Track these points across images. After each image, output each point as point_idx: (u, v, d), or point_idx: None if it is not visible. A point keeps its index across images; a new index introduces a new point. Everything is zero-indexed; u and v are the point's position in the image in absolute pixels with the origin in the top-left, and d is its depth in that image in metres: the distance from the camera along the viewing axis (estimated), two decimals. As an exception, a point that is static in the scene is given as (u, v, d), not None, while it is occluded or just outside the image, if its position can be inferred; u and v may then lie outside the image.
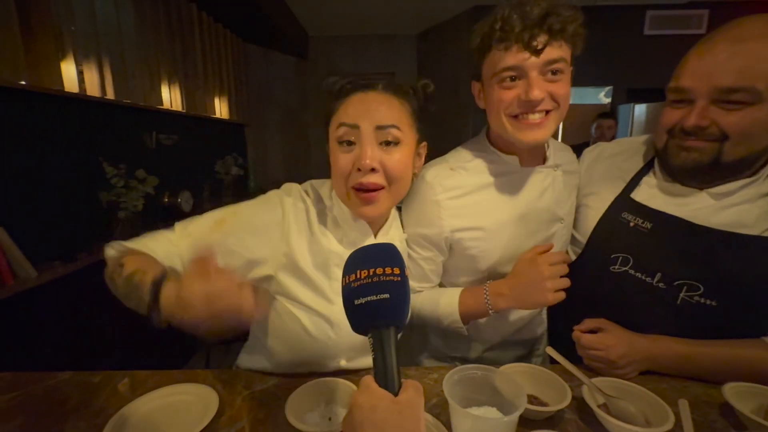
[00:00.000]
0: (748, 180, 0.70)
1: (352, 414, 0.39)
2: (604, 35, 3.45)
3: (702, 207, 0.72)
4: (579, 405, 0.64)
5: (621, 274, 0.77)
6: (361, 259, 0.45)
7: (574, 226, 0.90)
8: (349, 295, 0.43)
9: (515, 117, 0.72)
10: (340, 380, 0.66)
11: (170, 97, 2.38)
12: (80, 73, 1.66)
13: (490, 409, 0.61)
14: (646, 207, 0.77)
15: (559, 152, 0.87)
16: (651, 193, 0.78)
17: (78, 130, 1.68)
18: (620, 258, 0.78)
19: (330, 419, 0.61)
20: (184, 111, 2.51)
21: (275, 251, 0.70)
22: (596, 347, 0.71)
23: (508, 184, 0.80)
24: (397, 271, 0.43)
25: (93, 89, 1.74)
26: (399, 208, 0.87)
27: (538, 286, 0.70)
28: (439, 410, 0.64)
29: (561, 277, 0.72)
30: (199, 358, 2.34)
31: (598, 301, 0.80)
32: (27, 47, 1.43)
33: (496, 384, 0.62)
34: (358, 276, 0.43)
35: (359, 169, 0.65)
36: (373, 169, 0.65)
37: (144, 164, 1.99)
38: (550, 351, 0.71)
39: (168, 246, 0.67)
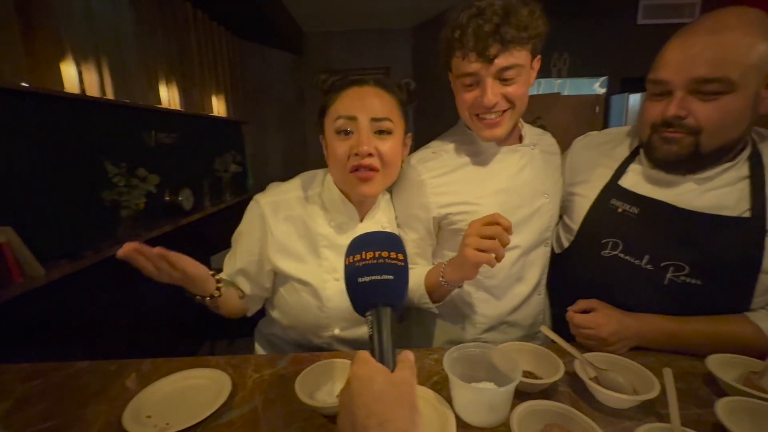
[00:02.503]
0: (728, 164, 0.74)
1: (349, 385, 0.39)
2: (597, 26, 3.47)
3: (685, 192, 0.76)
4: (572, 378, 0.67)
5: (611, 258, 0.81)
6: (366, 242, 0.47)
7: (567, 213, 0.94)
8: (352, 273, 0.45)
9: (477, 115, 0.80)
10: (345, 360, 0.70)
11: (168, 96, 2.39)
12: (80, 74, 1.68)
13: (488, 384, 0.64)
14: (633, 193, 0.81)
15: (536, 135, 0.95)
16: (637, 180, 0.82)
17: (79, 130, 1.70)
18: (610, 243, 0.82)
19: (337, 396, 0.64)
20: (182, 109, 2.52)
21: (263, 245, 0.82)
22: (588, 326, 0.74)
23: (487, 161, 0.87)
24: (401, 257, 0.46)
25: (92, 89, 1.76)
26: (390, 192, 0.93)
27: (462, 247, 0.71)
28: (440, 387, 0.67)
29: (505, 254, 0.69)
30: (204, 352, 2.38)
31: (591, 285, 0.83)
32: (27, 49, 1.45)
33: (493, 360, 0.66)
34: (364, 256, 0.45)
35: (357, 154, 0.74)
36: (369, 154, 0.74)
37: (145, 163, 2.01)
38: (544, 330, 0.75)
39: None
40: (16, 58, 1.39)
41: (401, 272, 0.45)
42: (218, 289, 0.75)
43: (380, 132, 0.76)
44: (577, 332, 0.77)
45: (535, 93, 3.84)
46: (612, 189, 0.84)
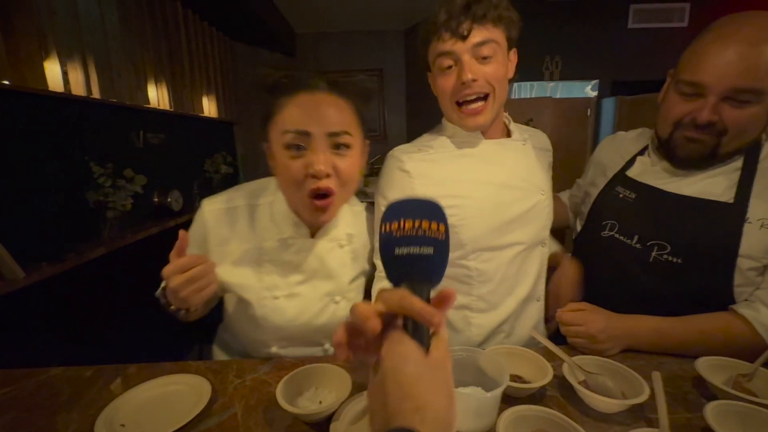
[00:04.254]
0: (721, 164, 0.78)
1: (382, 363, 0.36)
2: (589, 30, 3.50)
3: (677, 179, 0.82)
4: (560, 382, 0.66)
5: (608, 238, 0.88)
6: (405, 208, 0.41)
7: (584, 203, 1.01)
8: (388, 243, 0.40)
9: (459, 105, 0.79)
10: (328, 365, 0.68)
11: (157, 96, 2.35)
12: (65, 73, 1.64)
13: (476, 389, 0.63)
14: (634, 180, 0.88)
15: (526, 131, 0.93)
16: (642, 170, 0.89)
17: (64, 129, 1.66)
18: (608, 224, 0.89)
19: (320, 402, 0.62)
20: (171, 110, 2.48)
21: (204, 252, 0.78)
22: (576, 323, 0.74)
23: (476, 154, 0.84)
24: (442, 228, 0.41)
25: (78, 88, 1.72)
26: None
27: None
28: (427, 392, 0.66)
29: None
30: (192, 356, 2.34)
31: (592, 264, 0.91)
32: (8, 47, 1.41)
33: (480, 365, 0.65)
34: (401, 225, 0.40)
35: (313, 176, 0.67)
36: (327, 175, 0.67)
37: (132, 163, 1.97)
38: (533, 332, 0.74)
39: None
40: (-2, 57, 1.36)
41: (441, 245, 0.40)
42: None
43: (337, 147, 0.69)
44: (566, 330, 0.76)
45: (527, 96, 3.86)
46: (619, 178, 0.92)
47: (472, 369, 0.65)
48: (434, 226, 0.40)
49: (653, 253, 0.80)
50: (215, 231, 0.78)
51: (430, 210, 0.41)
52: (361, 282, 0.90)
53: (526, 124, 0.94)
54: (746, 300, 0.74)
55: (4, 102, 1.41)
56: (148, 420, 0.60)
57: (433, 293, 0.40)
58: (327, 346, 0.86)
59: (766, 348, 0.65)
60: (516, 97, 3.77)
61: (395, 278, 0.41)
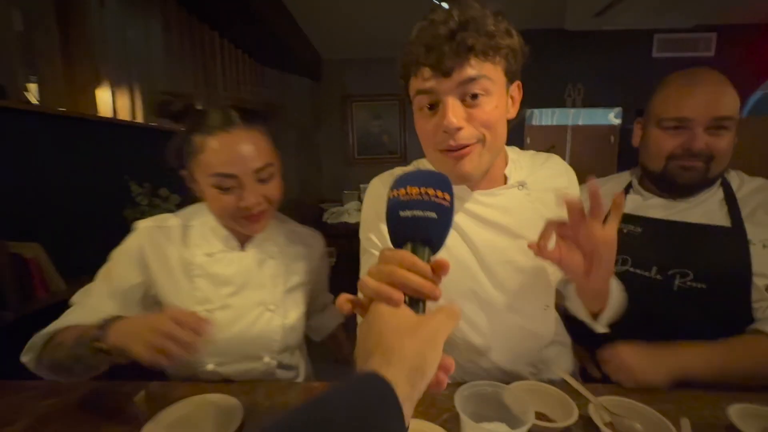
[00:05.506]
0: (708, 189, 0.88)
1: (369, 310, 0.38)
2: (611, 58, 3.52)
3: (679, 210, 0.88)
4: (585, 423, 0.66)
5: (622, 273, 0.89)
6: (413, 178, 0.43)
7: None
8: (394, 206, 0.42)
9: (444, 151, 0.65)
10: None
11: (192, 119, 2.50)
12: (113, 99, 1.78)
13: (500, 425, 0.63)
14: (634, 216, 0.92)
15: (527, 168, 0.77)
16: (636, 205, 0.94)
17: (109, 151, 1.79)
18: (619, 260, 0.90)
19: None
20: (204, 132, 2.62)
21: (143, 270, 0.80)
22: (612, 357, 0.76)
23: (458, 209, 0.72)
24: (447, 197, 0.42)
25: (123, 113, 1.85)
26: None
27: None
28: (451, 425, 0.66)
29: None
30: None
31: None
32: (67, 77, 1.55)
33: (504, 400, 0.65)
34: (408, 191, 0.42)
35: (245, 208, 0.74)
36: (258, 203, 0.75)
37: (166, 183, 2.08)
38: (559, 372, 0.74)
39: (85, 314, 0.75)
40: (57, 86, 1.49)
41: (445, 212, 0.42)
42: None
43: (262, 180, 0.75)
44: (607, 368, 0.77)
45: (549, 123, 3.87)
46: None
47: (496, 404, 0.66)
48: (439, 194, 0.42)
49: (677, 282, 0.83)
50: (150, 248, 0.81)
51: (437, 179, 0.43)
52: (300, 295, 0.91)
53: (549, 150, 0.89)
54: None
55: (59, 127, 1.53)
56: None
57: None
58: (266, 359, 0.85)
59: None
60: (537, 123, 3.79)
61: (399, 240, 0.42)
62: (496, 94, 0.63)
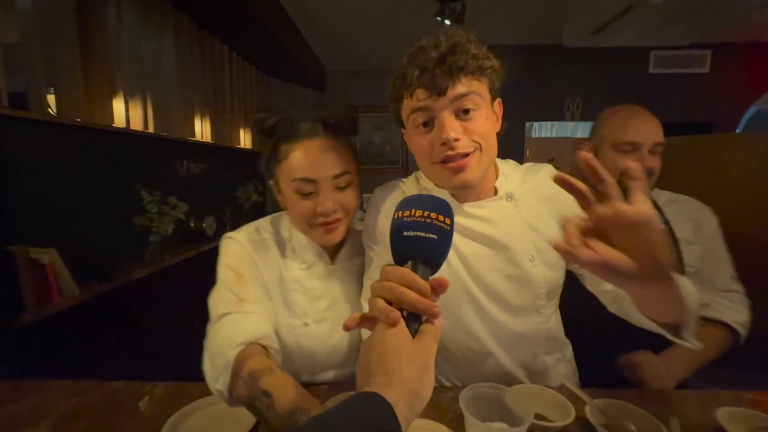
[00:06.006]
0: None
1: (374, 332, 0.41)
2: (609, 73, 3.61)
3: None
4: (582, 424, 0.70)
5: None
6: (418, 202, 0.47)
7: None
8: (399, 226, 0.46)
9: (441, 163, 0.70)
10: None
11: (201, 129, 2.56)
12: (126, 110, 1.84)
13: (501, 425, 0.67)
14: None
15: (519, 179, 0.81)
16: None
17: (122, 160, 1.84)
18: None
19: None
20: (212, 142, 2.68)
21: (260, 273, 0.80)
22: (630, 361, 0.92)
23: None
24: (448, 221, 0.46)
25: (136, 123, 1.91)
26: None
27: None
28: (456, 425, 0.70)
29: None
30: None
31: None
32: (86, 89, 1.62)
33: (506, 401, 0.69)
34: (413, 213, 0.46)
35: (322, 214, 0.75)
36: (334, 211, 0.76)
37: (175, 191, 2.13)
38: (557, 374, 0.78)
39: (256, 323, 0.72)
40: (76, 97, 1.55)
41: (445, 234, 0.46)
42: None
43: (341, 188, 0.77)
44: (628, 373, 0.92)
45: (548, 135, 3.95)
46: None
47: (498, 405, 0.69)
48: (441, 217, 0.46)
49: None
50: (257, 256, 0.82)
51: (439, 205, 0.47)
52: None
53: (549, 162, 0.98)
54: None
55: (75, 137, 1.59)
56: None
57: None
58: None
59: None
60: (536, 136, 3.86)
61: (401, 257, 0.46)
62: (485, 109, 0.69)
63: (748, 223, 1.65)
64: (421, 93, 0.67)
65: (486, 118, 0.69)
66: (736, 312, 1.01)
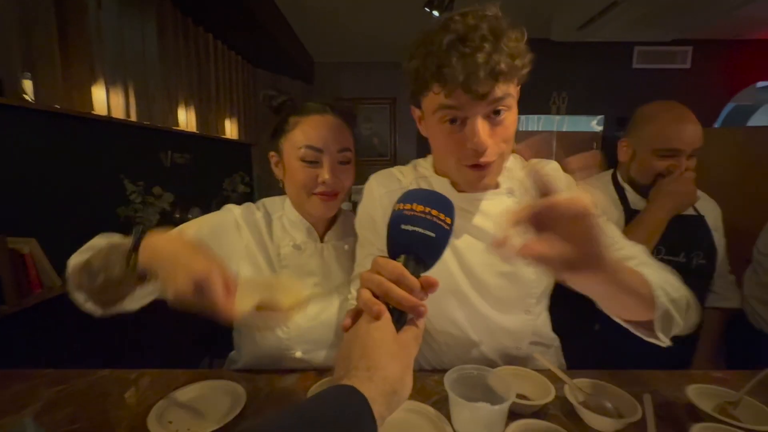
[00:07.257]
0: None
1: (357, 324, 0.41)
2: (594, 68, 3.67)
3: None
4: (562, 402, 0.72)
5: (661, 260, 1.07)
6: (420, 196, 0.46)
7: None
8: (397, 219, 0.45)
9: (468, 166, 0.68)
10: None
11: (186, 119, 2.52)
12: (108, 98, 1.80)
13: (485, 404, 0.69)
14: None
15: (521, 174, 0.81)
16: (638, 203, 1.13)
17: (104, 149, 1.80)
18: (654, 250, 1.07)
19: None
20: (197, 132, 2.64)
21: (235, 246, 0.85)
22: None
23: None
24: (449, 220, 0.44)
25: (118, 112, 1.87)
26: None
27: None
28: (440, 406, 0.72)
29: None
30: (203, 366, 2.38)
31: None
32: (65, 75, 1.57)
33: (489, 383, 0.71)
34: (413, 207, 0.44)
35: (323, 183, 0.80)
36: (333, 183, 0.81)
37: (160, 181, 2.10)
38: (538, 356, 0.81)
39: None
40: (54, 83, 1.51)
41: (444, 234, 0.44)
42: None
43: (341, 162, 0.83)
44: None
45: (534, 128, 4.00)
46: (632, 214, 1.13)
47: (482, 386, 0.72)
48: (441, 216, 0.44)
49: (695, 261, 1.09)
50: (245, 230, 0.86)
51: (442, 203, 0.45)
52: None
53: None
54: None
55: (54, 125, 1.54)
56: (191, 419, 0.68)
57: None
58: None
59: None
60: (523, 129, 3.91)
61: (395, 250, 0.44)
62: (514, 108, 0.68)
63: (724, 214, 1.72)
64: (460, 95, 0.62)
65: (514, 120, 0.68)
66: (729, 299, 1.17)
